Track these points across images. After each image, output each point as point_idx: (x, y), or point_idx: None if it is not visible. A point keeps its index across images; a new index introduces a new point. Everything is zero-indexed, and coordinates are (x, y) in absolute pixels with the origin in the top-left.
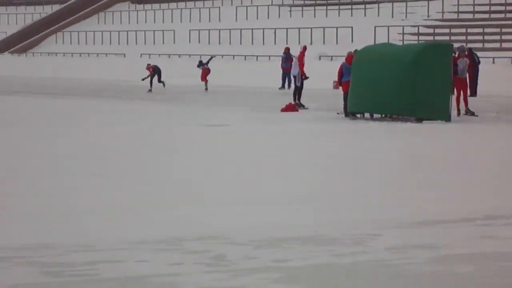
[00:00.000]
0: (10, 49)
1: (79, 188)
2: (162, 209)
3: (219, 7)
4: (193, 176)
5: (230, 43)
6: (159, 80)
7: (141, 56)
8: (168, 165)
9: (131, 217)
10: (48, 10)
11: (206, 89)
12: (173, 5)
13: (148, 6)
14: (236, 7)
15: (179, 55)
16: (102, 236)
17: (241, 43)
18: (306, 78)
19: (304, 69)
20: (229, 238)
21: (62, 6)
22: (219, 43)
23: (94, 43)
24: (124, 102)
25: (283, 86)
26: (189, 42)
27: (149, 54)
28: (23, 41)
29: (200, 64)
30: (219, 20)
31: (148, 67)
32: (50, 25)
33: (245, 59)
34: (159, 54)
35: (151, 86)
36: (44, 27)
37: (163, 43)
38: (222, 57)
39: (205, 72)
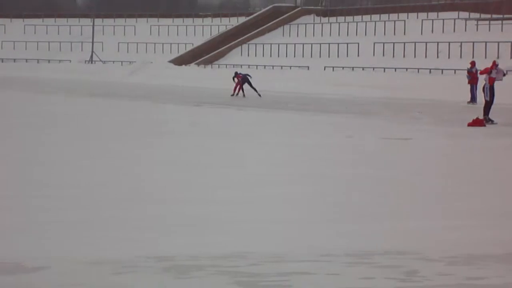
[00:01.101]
0: (196, 60)
1: (270, 198)
2: (348, 223)
3: (405, 20)
4: (385, 189)
5: (414, 56)
6: (252, 87)
7: (324, 69)
8: (355, 177)
9: (320, 229)
10: (234, 22)
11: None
12: (357, 18)
13: (332, 19)
14: (422, 20)
15: (363, 68)
16: (292, 246)
17: (426, 56)
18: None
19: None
20: (420, 253)
21: (248, 18)
22: (404, 56)
23: (278, 55)
24: (309, 114)
25: (472, 100)
26: (373, 55)
27: (333, 67)
28: (209, 52)
29: (235, 75)
30: (404, 33)
31: (238, 75)
32: (236, 37)
33: (430, 72)
34: (343, 67)
35: (243, 91)
36: (230, 39)
37: (347, 56)
38: (406, 70)
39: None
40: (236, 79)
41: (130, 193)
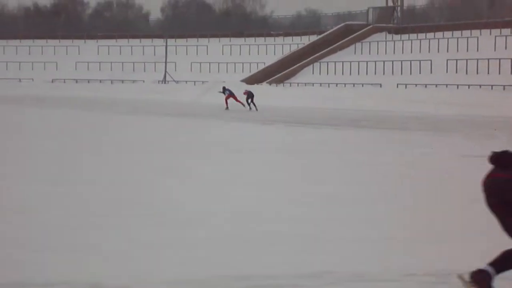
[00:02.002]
0: (268, 79)
1: (350, 216)
2: (430, 242)
3: (478, 37)
4: (466, 208)
5: (488, 73)
6: (252, 102)
7: (397, 86)
8: (435, 195)
9: (401, 248)
10: (306, 40)
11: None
12: (430, 35)
13: (405, 36)
14: (495, 36)
15: (436, 85)
16: (373, 265)
17: (499, 73)
18: None
19: None
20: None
21: (319, 36)
22: (477, 72)
23: (350, 73)
24: (383, 132)
25: None
26: (446, 72)
27: (405, 84)
28: (280, 71)
29: (224, 91)
30: (477, 50)
31: (245, 92)
32: (307, 55)
33: (504, 89)
34: (416, 84)
35: (249, 105)
36: (301, 58)
37: (420, 73)
38: (480, 87)
39: (232, 97)
40: (224, 93)
41: (206, 211)
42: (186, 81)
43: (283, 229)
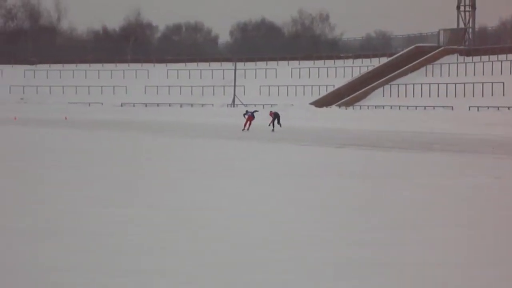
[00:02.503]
0: (337, 101)
1: (430, 241)
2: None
3: None
4: None
5: None
6: (278, 123)
7: (469, 108)
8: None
9: (482, 273)
10: (375, 63)
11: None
12: (502, 56)
13: (476, 58)
14: None
15: (509, 107)
16: None
17: None
18: None
19: None
20: None
21: (389, 59)
22: None
23: (421, 95)
24: (455, 155)
25: None
26: None
27: (478, 107)
28: (350, 94)
29: (246, 113)
30: None
31: (270, 113)
32: (377, 78)
33: None
34: (488, 107)
35: (273, 126)
36: (371, 80)
37: (492, 95)
38: None
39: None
40: (246, 116)
41: (282, 235)
42: (255, 104)
43: (362, 254)
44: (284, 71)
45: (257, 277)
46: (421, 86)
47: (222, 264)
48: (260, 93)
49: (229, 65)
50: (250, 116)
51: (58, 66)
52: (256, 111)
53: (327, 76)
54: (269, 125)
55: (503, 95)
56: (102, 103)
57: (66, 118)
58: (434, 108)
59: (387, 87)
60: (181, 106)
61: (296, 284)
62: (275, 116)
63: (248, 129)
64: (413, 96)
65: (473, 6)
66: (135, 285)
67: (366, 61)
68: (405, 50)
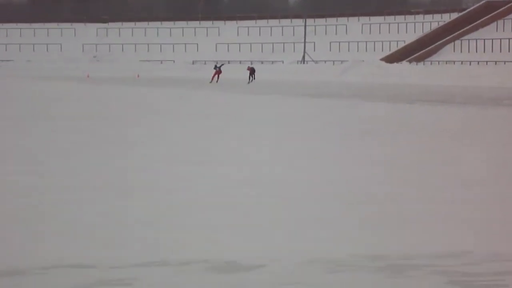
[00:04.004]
0: (408, 57)
1: (490, 197)
2: None
3: None
4: None
5: None
6: (253, 77)
7: None
8: None
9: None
10: (446, 18)
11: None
12: None
13: None
14: None
15: None
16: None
17: None
18: None
19: None
20: None
21: (460, 14)
22: None
23: (492, 50)
24: None
25: None
26: None
27: None
28: (420, 49)
29: (215, 67)
30: None
31: (248, 68)
32: (448, 33)
33: None
34: None
35: (249, 80)
36: (442, 36)
37: None
38: None
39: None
40: (215, 70)
41: (359, 191)
42: (325, 61)
43: (420, 210)
44: (354, 27)
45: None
46: (492, 41)
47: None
48: (330, 49)
49: (299, 21)
50: (218, 71)
51: (130, 24)
52: (223, 64)
53: (398, 32)
54: (250, 80)
55: None
56: (173, 61)
57: (138, 76)
58: (505, 63)
59: (457, 42)
60: (251, 63)
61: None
62: (252, 71)
63: (217, 81)
64: (484, 52)
65: None
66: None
67: (437, 17)
68: (476, 6)
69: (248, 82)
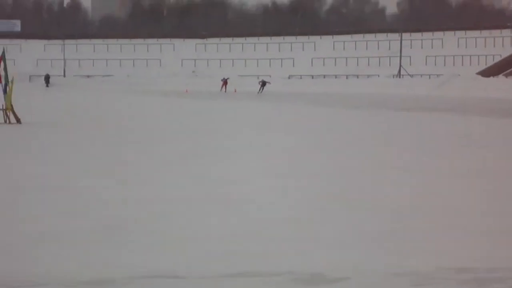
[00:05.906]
0: (504, 71)
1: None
2: None
3: None
4: None
5: None
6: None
7: None
8: None
9: None
10: None
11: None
12: None
13: None
14: None
15: None
16: None
17: None
18: None
19: None
20: None
21: None
22: None
23: None
24: None
25: None
26: None
27: None
28: None
29: (223, 79)
30: None
31: (260, 81)
32: None
33: None
34: None
35: (260, 91)
36: None
37: None
38: None
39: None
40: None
41: (450, 204)
42: (421, 75)
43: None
44: (450, 41)
45: None
46: None
47: None
48: (426, 63)
49: (395, 36)
50: (225, 82)
51: (228, 40)
52: (228, 78)
53: (494, 46)
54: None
55: None
56: (270, 75)
57: (235, 91)
58: None
59: None
60: (347, 78)
61: None
62: (263, 83)
63: (225, 91)
64: None
65: None
66: None
67: None
68: None
69: (258, 93)
